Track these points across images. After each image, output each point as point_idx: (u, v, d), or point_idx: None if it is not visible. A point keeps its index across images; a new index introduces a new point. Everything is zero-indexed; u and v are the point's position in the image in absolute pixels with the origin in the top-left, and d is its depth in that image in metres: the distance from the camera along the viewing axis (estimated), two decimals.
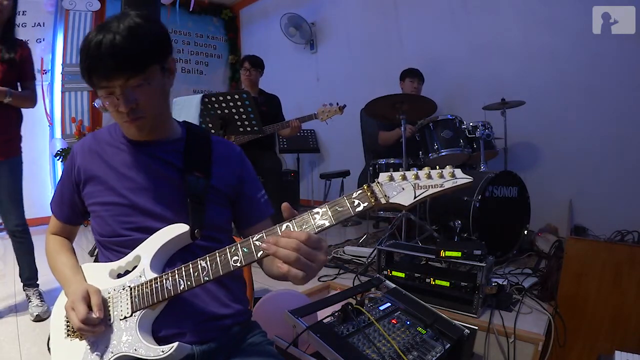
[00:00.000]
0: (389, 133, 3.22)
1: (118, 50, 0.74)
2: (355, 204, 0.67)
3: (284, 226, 0.69)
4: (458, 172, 0.67)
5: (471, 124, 2.68)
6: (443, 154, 2.70)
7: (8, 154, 1.93)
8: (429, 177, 0.67)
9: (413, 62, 3.46)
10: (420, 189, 0.67)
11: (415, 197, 0.66)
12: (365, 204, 0.67)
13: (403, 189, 0.67)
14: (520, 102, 2.86)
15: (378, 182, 0.69)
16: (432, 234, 2.46)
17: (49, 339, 0.86)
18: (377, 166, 3.02)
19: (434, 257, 1.70)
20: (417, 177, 0.67)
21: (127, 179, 0.87)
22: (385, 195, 0.67)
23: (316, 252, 0.67)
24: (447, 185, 0.66)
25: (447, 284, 1.61)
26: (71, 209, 0.95)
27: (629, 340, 1.47)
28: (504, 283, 1.73)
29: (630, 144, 2.72)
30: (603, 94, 2.83)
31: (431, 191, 0.67)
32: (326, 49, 4.71)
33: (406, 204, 0.67)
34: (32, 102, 1.98)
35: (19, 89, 1.94)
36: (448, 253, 1.64)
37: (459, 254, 1.61)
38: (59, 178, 0.96)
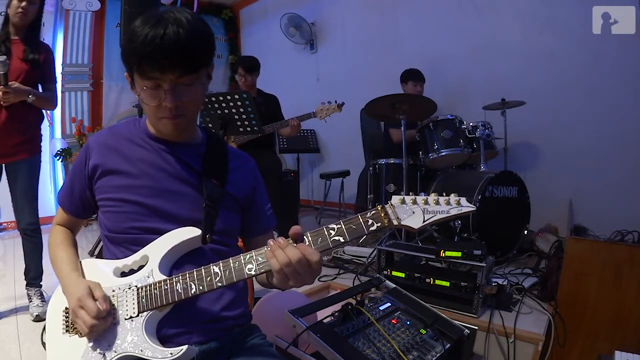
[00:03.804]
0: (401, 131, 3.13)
1: (182, 47, 0.74)
2: (369, 223, 0.72)
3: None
4: (463, 200, 0.73)
5: (471, 124, 2.68)
6: (443, 154, 2.70)
7: (30, 152, 1.95)
8: (437, 203, 0.73)
9: (413, 62, 3.46)
10: (429, 213, 0.72)
11: (424, 221, 0.72)
12: (379, 224, 0.72)
13: (413, 212, 0.72)
14: (520, 102, 2.85)
15: (391, 204, 0.73)
16: (432, 234, 2.46)
17: (42, 333, 0.84)
18: (377, 166, 3.01)
19: (434, 257, 1.71)
20: (426, 202, 0.73)
21: (146, 176, 0.86)
22: (397, 217, 0.72)
23: (309, 271, 0.70)
24: (453, 212, 0.72)
25: (447, 284, 1.61)
26: (81, 202, 0.92)
27: (629, 340, 1.47)
28: (504, 283, 1.74)
29: (630, 144, 2.72)
30: (603, 94, 2.82)
31: (438, 217, 0.72)
32: (326, 49, 4.70)
33: (416, 227, 0.72)
34: (52, 103, 2.02)
35: (40, 90, 1.96)
36: (448, 253, 1.65)
37: (459, 254, 1.62)
38: (60, 177, 0.96)
